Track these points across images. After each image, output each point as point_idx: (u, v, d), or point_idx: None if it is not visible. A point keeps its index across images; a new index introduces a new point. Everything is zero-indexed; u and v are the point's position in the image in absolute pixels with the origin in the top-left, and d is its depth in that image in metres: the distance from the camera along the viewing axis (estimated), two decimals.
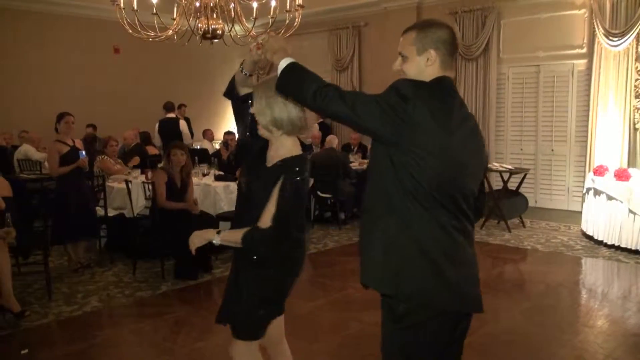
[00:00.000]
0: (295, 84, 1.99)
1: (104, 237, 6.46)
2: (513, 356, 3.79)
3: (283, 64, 2.01)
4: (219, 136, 11.42)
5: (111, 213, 6.25)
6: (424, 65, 1.99)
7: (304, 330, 4.26)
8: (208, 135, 11.58)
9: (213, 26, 7.07)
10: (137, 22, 7.07)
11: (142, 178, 6.41)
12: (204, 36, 7.25)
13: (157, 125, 9.38)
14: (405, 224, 1.93)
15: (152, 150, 9.21)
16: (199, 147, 10.77)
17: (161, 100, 11.12)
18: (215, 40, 7.52)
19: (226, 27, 7.33)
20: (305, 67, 2.02)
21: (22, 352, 3.91)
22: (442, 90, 1.96)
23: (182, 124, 10.08)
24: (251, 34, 7.33)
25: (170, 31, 7.35)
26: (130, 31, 7.20)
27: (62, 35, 10.39)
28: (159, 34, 7.34)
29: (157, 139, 9.56)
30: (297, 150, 2.38)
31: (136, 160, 7.69)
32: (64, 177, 5.56)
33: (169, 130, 9.38)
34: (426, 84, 1.96)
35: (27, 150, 8.29)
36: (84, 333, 4.27)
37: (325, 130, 11.37)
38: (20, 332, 4.27)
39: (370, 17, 10.78)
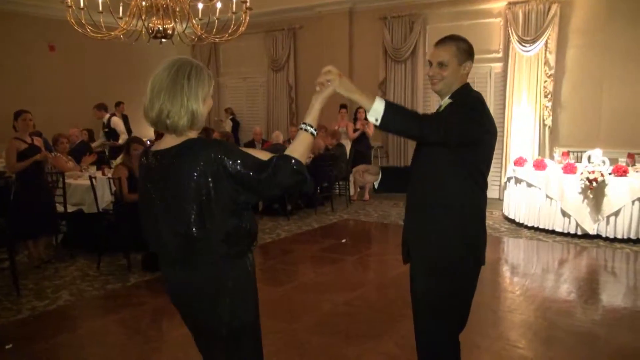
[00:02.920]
0: (402, 122, 2.13)
1: (61, 233, 6.26)
2: (472, 320, 4.12)
3: (380, 105, 2.06)
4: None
5: (69, 209, 6.06)
6: (461, 73, 2.39)
7: (280, 312, 4.41)
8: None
9: (164, 26, 7.02)
10: (83, 20, 6.90)
11: (99, 174, 6.28)
12: (156, 36, 7.17)
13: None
14: (469, 204, 2.35)
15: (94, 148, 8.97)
16: None
17: (99, 98, 10.76)
18: (164, 40, 7.46)
19: (177, 27, 7.29)
20: (398, 104, 2.17)
21: (7, 347, 3.80)
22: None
23: (114, 121, 9.81)
24: (203, 35, 7.32)
25: (119, 30, 7.21)
26: (80, 30, 7.00)
27: None
28: (106, 33, 7.18)
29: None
30: None
31: (92, 157, 7.43)
32: (24, 174, 5.36)
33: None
34: (471, 90, 2.41)
35: None
36: (66, 325, 4.21)
37: (236, 125, 11.49)
38: None
39: (305, 20, 10.96)
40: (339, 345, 3.77)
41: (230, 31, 7.65)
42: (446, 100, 2.38)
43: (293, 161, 1.84)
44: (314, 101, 1.99)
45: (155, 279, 5.24)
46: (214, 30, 7.45)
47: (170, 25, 7.16)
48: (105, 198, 5.70)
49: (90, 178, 5.56)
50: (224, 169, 1.81)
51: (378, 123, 2.08)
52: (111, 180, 5.44)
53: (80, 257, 5.92)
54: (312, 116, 1.96)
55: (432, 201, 2.37)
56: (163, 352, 3.82)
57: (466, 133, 2.20)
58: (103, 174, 6.27)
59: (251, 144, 9.98)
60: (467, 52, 2.38)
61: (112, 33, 7.12)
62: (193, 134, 1.93)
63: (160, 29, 7.13)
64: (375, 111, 2.06)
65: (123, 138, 9.85)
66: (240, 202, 1.89)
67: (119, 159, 6.48)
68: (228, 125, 11.41)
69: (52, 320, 4.29)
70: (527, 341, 3.89)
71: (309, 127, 1.94)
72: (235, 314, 1.95)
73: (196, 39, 7.87)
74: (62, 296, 4.78)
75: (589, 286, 5.19)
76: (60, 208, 5.90)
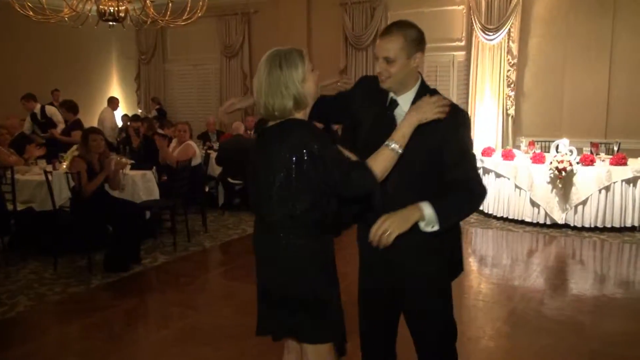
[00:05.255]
0: (458, 213, 2.20)
1: (8, 234, 5.97)
2: (459, 313, 4.25)
3: (428, 209, 2.07)
4: (93, 123, 10.60)
5: (18, 207, 5.79)
6: (411, 66, 2.22)
7: None
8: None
9: (118, 7, 6.82)
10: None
11: (50, 168, 6.03)
12: (107, 19, 6.95)
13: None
14: None
15: (37, 140, 8.57)
16: None
17: (33, 84, 10.28)
18: (112, 23, 7.24)
19: (130, 9, 7.11)
20: (442, 201, 2.11)
21: None
22: None
23: (50, 110, 9.40)
24: (159, 19, 7.16)
25: (66, 12, 6.96)
26: (22, 12, 6.73)
27: None
28: (51, 15, 6.93)
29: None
30: None
31: (40, 150, 7.08)
32: None
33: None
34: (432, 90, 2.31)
35: None
36: (31, 332, 4.04)
37: (162, 115, 11.22)
38: None
39: (260, 4, 10.86)
40: None
41: (186, 15, 7.52)
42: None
43: (373, 173, 2.01)
44: (407, 119, 2.09)
45: (119, 280, 5.11)
46: (168, 13, 7.29)
47: (123, 8, 6.96)
48: (63, 195, 5.48)
49: (46, 173, 5.32)
50: (309, 154, 2.00)
51: (440, 227, 2.07)
52: (69, 175, 5.23)
53: (32, 259, 5.67)
54: (400, 133, 2.07)
55: None
56: (143, 357, 3.73)
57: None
58: (54, 168, 6.02)
59: (205, 136, 9.84)
60: (416, 42, 2.19)
61: (59, 15, 6.87)
62: (300, 115, 2.14)
63: (112, 10, 6.92)
64: (430, 218, 2.06)
65: (62, 128, 9.47)
66: (317, 194, 2.08)
67: (71, 152, 6.25)
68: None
69: (14, 328, 4.12)
70: (517, 331, 4.06)
71: (395, 145, 2.05)
72: (289, 288, 2.16)
73: (149, 22, 7.68)
74: (21, 302, 4.56)
75: (565, 275, 5.45)
76: (8, 206, 5.63)
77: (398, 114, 2.26)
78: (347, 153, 2.08)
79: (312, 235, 2.13)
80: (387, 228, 2.00)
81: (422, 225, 2.07)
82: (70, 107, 8.17)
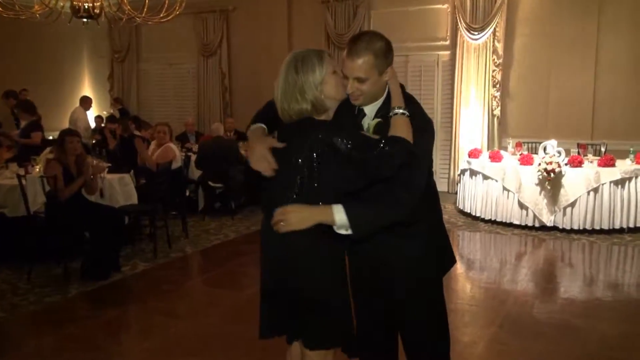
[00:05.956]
0: (376, 216, 2.13)
1: None
2: (454, 319, 4.25)
3: (339, 213, 2.05)
4: (63, 124, 10.42)
5: None
6: (383, 80, 2.21)
7: (249, 317, 4.28)
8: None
9: (94, 3, 6.71)
10: None
11: (22, 172, 5.89)
12: (81, 15, 6.84)
13: None
14: (435, 209, 2.46)
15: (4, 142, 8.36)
16: None
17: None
18: (87, 20, 7.13)
19: (105, 5, 7.01)
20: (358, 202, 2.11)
21: None
22: None
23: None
24: (136, 16, 7.06)
25: (37, 8, 6.84)
26: None
27: None
28: (21, 11, 6.80)
29: None
30: None
31: (10, 152, 6.92)
32: None
33: None
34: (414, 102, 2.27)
35: None
36: (7, 344, 3.94)
37: (124, 114, 10.95)
38: None
39: (239, 1, 10.78)
40: None
41: (164, 12, 7.43)
42: (372, 122, 2.25)
43: (406, 140, 2.04)
44: (393, 87, 2.20)
45: (98, 289, 5.00)
46: (145, 10, 7.20)
47: (99, 4, 6.85)
48: (38, 199, 5.35)
49: (19, 177, 5.19)
50: (332, 148, 2.00)
51: (352, 234, 2.05)
52: (44, 179, 5.11)
53: (4, 267, 5.53)
54: (398, 99, 2.16)
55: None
56: None
57: (429, 153, 2.26)
58: (26, 171, 5.88)
59: (183, 137, 9.73)
60: (385, 55, 2.16)
61: (31, 12, 6.73)
62: (324, 117, 2.15)
63: (87, 7, 6.81)
64: (342, 223, 2.04)
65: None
66: (342, 189, 2.08)
67: (44, 154, 6.12)
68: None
69: None
70: (512, 336, 4.07)
71: (403, 110, 2.12)
72: (297, 288, 2.14)
73: (125, 19, 7.56)
74: None
75: (556, 279, 5.52)
76: None
77: (365, 122, 2.31)
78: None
79: (323, 237, 2.10)
80: (288, 220, 2.04)
81: (335, 228, 2.07)
82: (26, 108, 7.99)
